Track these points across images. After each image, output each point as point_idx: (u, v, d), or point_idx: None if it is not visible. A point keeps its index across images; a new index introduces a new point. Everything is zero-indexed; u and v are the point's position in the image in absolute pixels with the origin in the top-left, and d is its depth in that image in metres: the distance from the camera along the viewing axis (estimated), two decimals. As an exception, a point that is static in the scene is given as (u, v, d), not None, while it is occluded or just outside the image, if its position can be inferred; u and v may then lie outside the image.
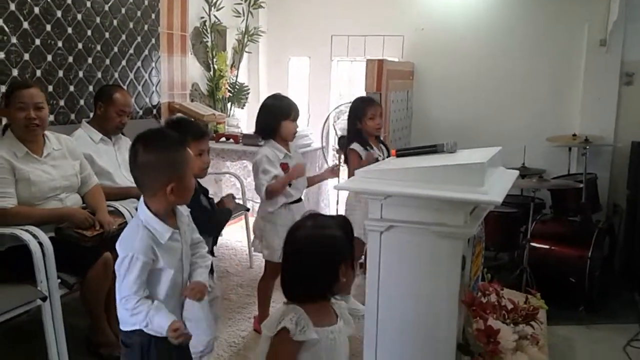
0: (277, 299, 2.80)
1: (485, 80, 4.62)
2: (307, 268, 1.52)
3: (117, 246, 1.70)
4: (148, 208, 1.71)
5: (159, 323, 1.63)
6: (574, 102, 4.42)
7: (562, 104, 4.47)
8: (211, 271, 2.25)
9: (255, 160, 2.99)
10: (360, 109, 3.33)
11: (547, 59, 4.46)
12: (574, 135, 4.16)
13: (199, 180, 2.36)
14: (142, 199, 1.73)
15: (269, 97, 3.12)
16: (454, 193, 1.81)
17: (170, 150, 1.69)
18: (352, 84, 4.99)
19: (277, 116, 2.98)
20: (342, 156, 3.54)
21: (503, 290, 2.44)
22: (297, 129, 3.09)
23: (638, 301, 3.70)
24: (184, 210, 1.84)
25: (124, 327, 1.73)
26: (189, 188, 1.74)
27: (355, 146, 3.27)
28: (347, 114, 3.45)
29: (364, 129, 3.30)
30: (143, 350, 1.70)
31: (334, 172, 3.31)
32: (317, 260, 1.51)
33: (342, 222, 1.60)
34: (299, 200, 3.08)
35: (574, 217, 3.97)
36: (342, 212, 3.66)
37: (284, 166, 3.01)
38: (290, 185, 2.99)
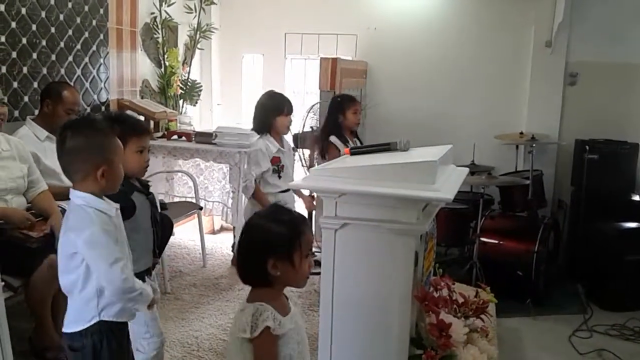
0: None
1: (436, 79, 4.70)
2: (241, 251, 1.59)
3: (70, 235, 1.62)
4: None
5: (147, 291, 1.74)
6: (521, 101, 4.56)
7: (510, 103, 4.60)
8: (148, 272, 2.19)
9: (250, 152, 3.36)
10: (346, 103, 3.55)
11: (495, 60, 4.58)
12: (521, 133, 4.29)
13: (139, 178, 2.20)
14: (71, 190, 1.66)
15: (263, 95, 3.40)
16: (407, 191, 1.83)
17: (100, 133, 1.67)
18: (306, 82, 4.99)
19: (271, 112, 3.28)
20: (316, 149, 3.71)
21: (454, 284, 2.49)
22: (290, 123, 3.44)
23: (581, 293, 3.84)
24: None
25: (73, 327, 1.67)
26: (118, 175, 1.70)
27: (334, 139, 3.46)
28: (328, 110, 3.66)
29: (344, 123, 3.52)
30: (95, 351, 1.66)
31: (310, 203, 3.63)
32: (246, 246, 1.58)
33: (293, 219, 1.58)
34: (287, 190, 3.36)
35: (521, 212, 4.08)
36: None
37: (276, 159, 3.34)
38: (280, 177, 3.35)
